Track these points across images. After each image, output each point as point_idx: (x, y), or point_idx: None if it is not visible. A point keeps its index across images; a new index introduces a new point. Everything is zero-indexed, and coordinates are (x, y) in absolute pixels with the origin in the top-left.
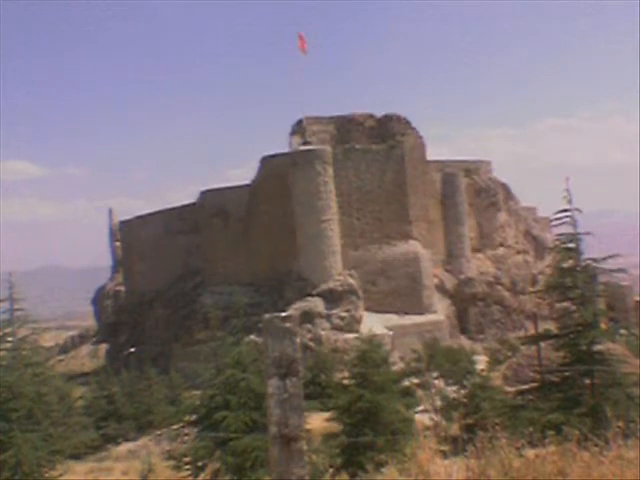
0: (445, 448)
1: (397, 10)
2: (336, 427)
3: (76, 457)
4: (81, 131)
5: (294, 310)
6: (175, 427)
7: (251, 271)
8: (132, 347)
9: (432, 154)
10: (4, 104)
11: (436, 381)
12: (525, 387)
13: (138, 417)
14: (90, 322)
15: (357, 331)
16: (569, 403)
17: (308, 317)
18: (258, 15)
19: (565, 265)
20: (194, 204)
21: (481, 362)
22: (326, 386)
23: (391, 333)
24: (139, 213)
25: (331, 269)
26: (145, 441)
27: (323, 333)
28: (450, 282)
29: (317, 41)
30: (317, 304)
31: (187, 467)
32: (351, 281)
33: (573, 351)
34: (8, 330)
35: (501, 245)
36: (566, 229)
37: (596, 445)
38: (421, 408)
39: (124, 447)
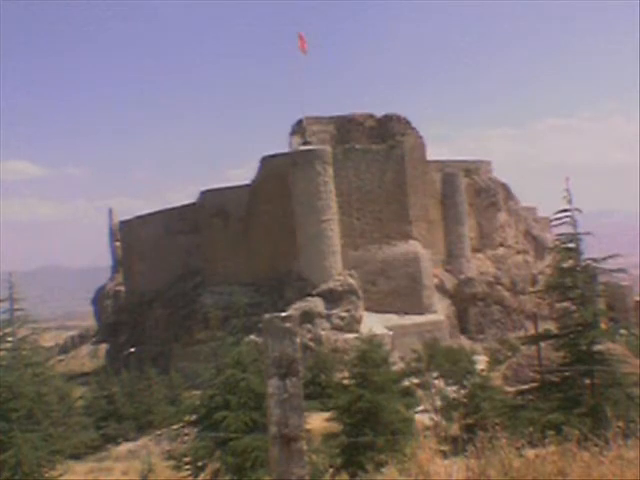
0: (445, 448)
1: (397, 10)
2: (336, 427)
3: (76, 457)
4: (81, 131)
5: (294, 310)
6: (175, 427)
7: (251, 271)
8: (132, 347)
9: (432, 154)
10: (4, 104)
11: (436, 381)
12: (525, 387)
13: (138, 417)
14: (90, 322)
15: (357, 331)
16: (569, 403)
17: (308, 317)
18: (258, 15)
19: (565, 265)
20: (194, 204)
21: (481, 362)
22: (326, 386)
23: (391, 333)
24: (139, 213)
25: (331, 269)
26: (145, 441)
27: (323, 333)
28: (450, 282)
29: (317, 41)
30: (317, 304)
31: (187, 467)
32: (351, 281)
33: (573, 351)
34: (8, 330)
35: (501, 245)
36: (566, 229)
37: (596, 445)
38: (421, 408)
39: (124, 447)
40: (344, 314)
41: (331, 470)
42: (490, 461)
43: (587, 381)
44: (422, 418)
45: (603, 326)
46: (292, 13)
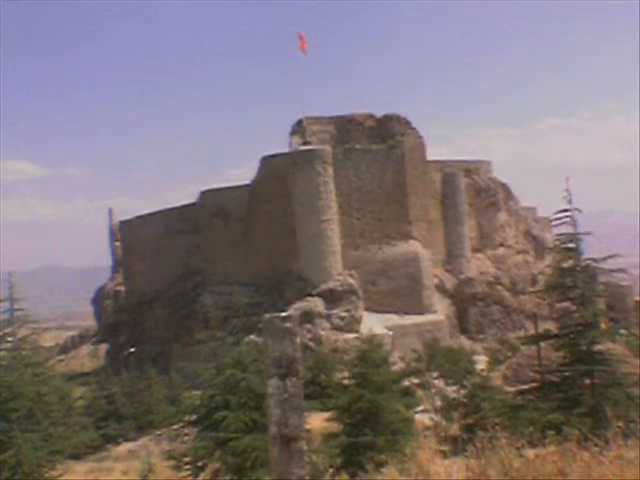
0: (445, 448)
1: (397, 10)
2: (336, 427)
3: (76, 457)
4: (81, 131)
5: (294, 310)
6: (175, 427)
7: (251, 271)
8: (132, 347)
9: (432, 154)
10: (4, 104)
11: (436, 381)
12: (525, 387)
13: (138, 417)
14: (90, 322)
15: (357, 331)
16: (569, 403)
17: (308, 317)
18: (258, 15)
19: (565, 265)
20: (194, 204)
21: (481, 362)
22: (326, 386)
23: (391, 333)
24: (139, 213)
25: (331, 269)
26: (145, 441)
27: (323, 333)
28: (450, 282)
29: (317, 41)
30: (317, 304)
31: (187, 467)
32: (351, 281)
33: (573, 351)
34: (8, 330)
35: (501, 245)
36: (566, 229)
37: (596, 445)
38: (421, 408)
39: (124, 447)
40: (344, 314)
41: (331, 470)
42: (490, 461)
43: (587, 381)
44: (422, 418)
45: (603, 326)
46: (292, 13)
